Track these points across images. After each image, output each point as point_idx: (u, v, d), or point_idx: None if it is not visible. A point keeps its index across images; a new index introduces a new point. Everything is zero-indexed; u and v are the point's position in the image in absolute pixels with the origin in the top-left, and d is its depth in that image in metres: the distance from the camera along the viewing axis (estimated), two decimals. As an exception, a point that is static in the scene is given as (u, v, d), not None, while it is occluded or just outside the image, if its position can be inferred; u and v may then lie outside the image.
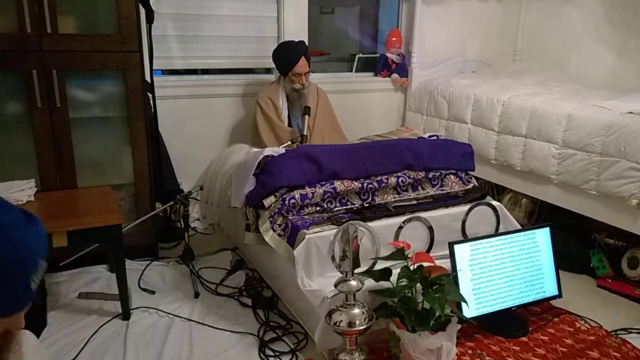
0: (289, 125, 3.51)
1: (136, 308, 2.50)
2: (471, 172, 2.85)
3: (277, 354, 2.19)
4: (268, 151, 2.56)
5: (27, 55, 2.56)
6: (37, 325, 2.31)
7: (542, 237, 2.47)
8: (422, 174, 2.68)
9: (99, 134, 2.82)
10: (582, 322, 2.48)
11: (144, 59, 2.83)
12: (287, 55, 3.39)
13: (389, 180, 2.59)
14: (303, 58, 3.38)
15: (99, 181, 2.82)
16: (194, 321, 2.41)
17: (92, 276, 2.81)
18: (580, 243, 3.07)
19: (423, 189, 2.70)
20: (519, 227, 2.66)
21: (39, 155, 2.67)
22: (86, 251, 2.62)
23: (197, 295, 2.64)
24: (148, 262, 2.97)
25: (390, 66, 4.36)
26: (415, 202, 2.59)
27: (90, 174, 2.80)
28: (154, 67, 3.20)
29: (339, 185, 2.49)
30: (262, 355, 2.18)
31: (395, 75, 4.35)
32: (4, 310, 0.91)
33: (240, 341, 2.27)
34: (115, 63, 2.71)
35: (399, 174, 2.63)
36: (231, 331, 2.34)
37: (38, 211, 2.36)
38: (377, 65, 4.41)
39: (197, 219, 3.52)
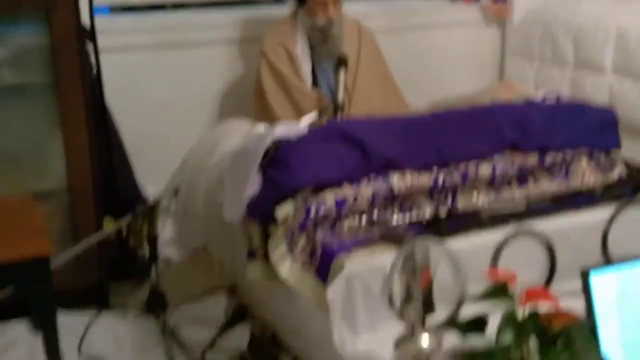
0: (314, 85, 3.53)
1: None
2: (615, 152, 2.84)
3: None
4: (281, 130, 2.57)
5: None
6: None
7: None
8: (534, 158, 2.67)
9: (9, 111, 2.86)
10: None
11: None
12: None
13: (480, 171, 2.59)
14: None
15: (13, 187, 2.85)
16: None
17: (4, 339, 2.84)
18: None
19: (536, 182, 2.69)
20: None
21: None
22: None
23: (173, 366, 2.68)
24: (94, 313, 3.00)
25: (478, -14, 4.36)
26: (523, 205, 2.57)
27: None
28: (95, 2, 3.25)
29: (397, 181, 2.49)
30: None
31: (486, 0, 4.34)
32: None
33: None
34: (33, -1, 2.76)
35: (495, 159, 2.63)
36: None
37: None
38: (457, -14, 4.41)
39: (171, 243, 3.54)
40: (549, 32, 4.03)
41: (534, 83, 4.09)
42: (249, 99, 3.69)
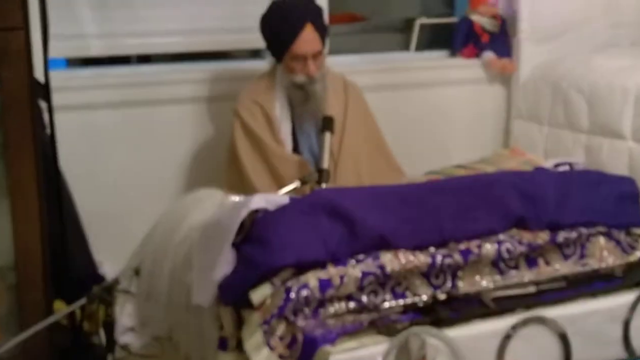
0: (295, 150, 3.52)
1: None
2: (637, 229, 2.84)
3: None
4: (258, 202, 2.55)
5: None
6: None
7: None
8: (545, 236, 2.66)
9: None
10: None
11: (33, 41, 2.85)
12: (281, 24, 3.42)
13: (483, 250, 2.57)
14: (310, 27, 3.40)
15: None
16: None
17: None
18: None
19: (548, 263, 2.67)
20: None
21: None
22: None
23: None
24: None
25: (479, 39, 4.39)
26: (533, 288, 2.56)
27: None
28: (50, 55, 3.22)
29: (389, 260, 2.47)
30: None
31: (489, 55, 4.36)
32: None
33: None
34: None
35: (501, 237, 2.62)
36: None
37: None
38: (456, 38, 4.45)
39: (131, 329, 3.47)
40: (559, 91, 4.05)
41: (544, 149, 4.09)
42: (221, 165, 3.69)
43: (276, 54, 3.47)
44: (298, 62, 3.40)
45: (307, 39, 3.38)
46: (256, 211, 2.52)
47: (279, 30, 3.42)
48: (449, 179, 3.00)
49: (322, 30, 3.45)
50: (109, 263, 3.51)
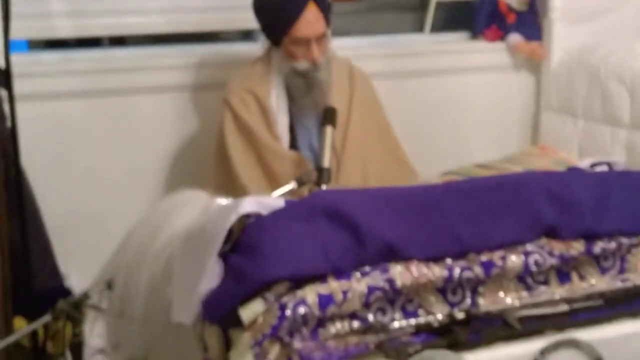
0: (293, 147, 3.55)
1: None
2: None
3: None
4: (249, 205, 2.56)
5: None
6: None
7: None
8: (579, 247, 2.66)
9: None
10: None
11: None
12: (280, 2, 3.43)
13: (508, 262, 2.57)
14: (313, 6, 3.42)
15: None
16: None
17: None
18: None
19: (582, 278, 2.67)
20: None
21: None
22: None
23: None
24: None
25: (504, 19, 4.41)
26: (565, 307, 2.55)
27: None
28: (10, 36, 3.24)
29: (400, 273, 2.47)
30: None
31: (516, 38, 4.38)
32: None
33: None
34: None
35: (528, 247, 2.61)
36: None
37: None
38: (478, 18, 4.47)
39: (102, 351, 3.49)
40: (596, 80, 4.06)
41: (578, 146, 4.10)
42: (207, 163, 3.69)
43: (273, 37, 3.48)
44: (300, 47, 3.41)
45: (311, 19, 3.39)
46: (247, 216, 2.53)
47: (277, 10, 3.42)
48: (469, 180, 3.01)
49: (326, 10, 3.46)
50: (77, 275, 3.51)
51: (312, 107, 3.52)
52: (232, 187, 3.40)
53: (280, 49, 3.48)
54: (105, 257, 3.38)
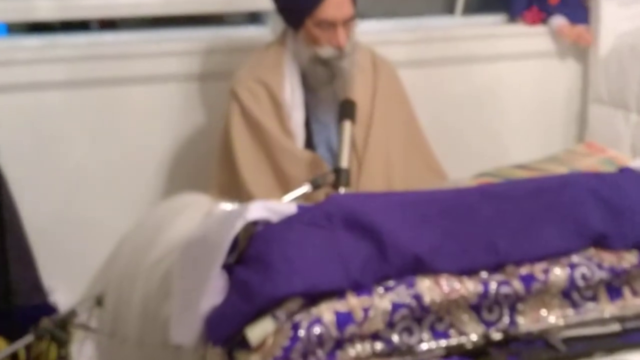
0: (308, 145, 3.56)
1: None
2: None
3: None
4: (257, 210, 2.56)
5: None
6: None
7: None
8: (632, 258, 2.66)
9: None
10: None
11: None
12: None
13: (551, 276, 2.56)
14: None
15: None
16: None
17: None
18: None
19: (636, 294, 2.66)
20: None
21: None
22: None
23: None
24: None
25: (546, 0, 4.37)
26: (617, 326, 2.55)
27: None
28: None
29: (428, 288, 2.47)
30: None
31: (559, 20, 4.38)
32: None
33: None
34: None
35: (574, 259, 2.61)
36: None
37: None
38: (515, 0, 4.43)
39: (90, 375, 3.51)
40: (653, 70, 4.04)
41: (631, 144, 4.10)
42: (210, 162, 3.70)
43: (294, 19, 3.48)
44: (324, 31, 3.42)
45: (338, 0, 3.40)
46: (254, 223, 2.53)
47: None
48: (506, 183, 3.00)
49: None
50: (63, 290, 3.52)
51: (332, 101, 3.52)
52: (238, 191, 3.42)
53: (299, 34, 3.48)
54: (94, 269, 3.41)
